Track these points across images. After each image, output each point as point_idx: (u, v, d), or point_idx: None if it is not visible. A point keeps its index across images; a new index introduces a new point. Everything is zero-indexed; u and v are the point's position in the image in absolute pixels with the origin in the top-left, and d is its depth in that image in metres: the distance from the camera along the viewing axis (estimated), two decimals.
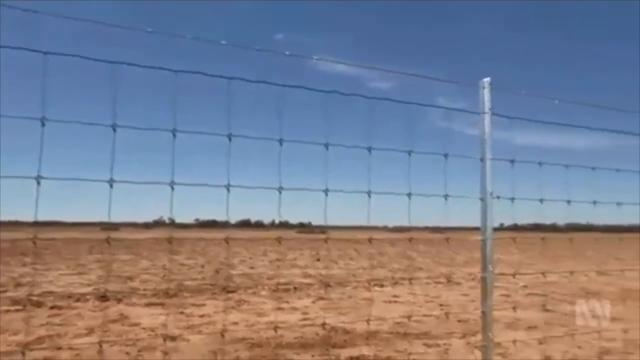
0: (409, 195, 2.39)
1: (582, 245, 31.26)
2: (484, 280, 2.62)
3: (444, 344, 6.57)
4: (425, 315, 8.64)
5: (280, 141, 2.16)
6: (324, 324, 7.78)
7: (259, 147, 2.38)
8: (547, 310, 9.08)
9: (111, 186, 2.05)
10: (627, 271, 15.15)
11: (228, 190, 2.09)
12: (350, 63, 2.68)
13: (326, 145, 2.20)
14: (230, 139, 2.14)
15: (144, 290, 11.71)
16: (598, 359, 5.68)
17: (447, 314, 8.64)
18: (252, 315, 8.68)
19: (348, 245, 36.04)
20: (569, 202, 2.74)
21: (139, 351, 6.03)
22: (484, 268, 2.61)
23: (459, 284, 13.48)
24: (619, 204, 2.91)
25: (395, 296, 11.07)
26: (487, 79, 2.59)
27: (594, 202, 2.82)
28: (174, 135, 2.15)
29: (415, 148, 2.67)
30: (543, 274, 3.47)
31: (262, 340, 6.66)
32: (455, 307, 9.51)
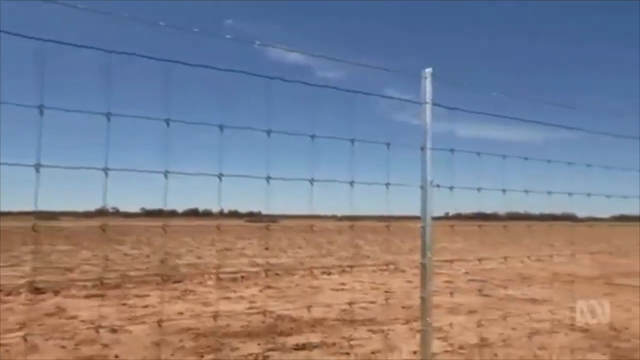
0: (352, 183, 2.41)
1: (519, 233, 32.94)
2: (423, 266, 2.69)
3: (388, 330, 6.73)
4: (370, 302, 8.82)
5: (221, 127, 2.11)
6: (269, 313, 7.79)
7: (199, 133, 2.31)
8: (485, 295, 9.50)
9: (106, 174, 1.94)
10: (557, 256, 16.09)
11: (166, 177, 2.02)
12: (288, 49, 2.64)
13: (268, 132, 2.17)
14: (168, 124, 2.06)
15: (84, 281, 11.24)
16: (529, 339, 6.00)
17: (386, 300, 8.87)
18: (197, 305, 8.54)
19: (297, 234, 36.21)
20: (504, 191, 2.86)
21: (76, 345, 5.80)
22: (424, 255, 2.68)
23: (403, 271, 13.85)
24: (549, 192, 3.07)
25: (342, 284, 11.23)
26: (428, 70, 2.64)
27: (526, 192, 2.96)
28: (108, 119, 2.04)
29: (362, 138, 2.70)
30: (479, 260, 3.59)
31: (208, 329, 6.57)
32: (399, 294, 9.77)
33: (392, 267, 14.51)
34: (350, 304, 7.83)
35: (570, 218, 4.80)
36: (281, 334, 6.52)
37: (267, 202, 2.17)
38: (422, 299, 2.69)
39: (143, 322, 7.05)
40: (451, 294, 6.82)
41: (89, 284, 10.83)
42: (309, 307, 7.14)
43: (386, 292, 10.05)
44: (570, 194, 3.49)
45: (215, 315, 6.83)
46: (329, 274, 13.17)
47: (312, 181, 2.26)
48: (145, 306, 8.38)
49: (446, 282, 11.86)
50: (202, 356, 5.46)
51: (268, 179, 2.15)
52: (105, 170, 2.00)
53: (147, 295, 9.39)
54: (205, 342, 6.03)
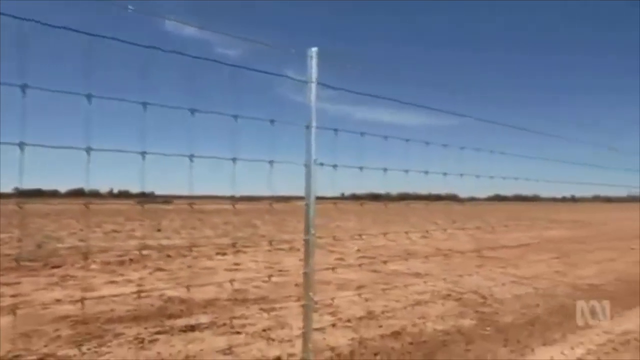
0: (234, 160, 2.36)
1: (408, 213, 35.13)
2: (306, 243, 2.74)
3: (280, 307, 6.84)
4: (264, 281, 8.88)
5: (89, 97, 1.93)
6: (159, 295, 7.51)
7: (67, 104, 2.11)
8: (374, 271, 10.03)
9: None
10: (439, 233, 17.44)
11: (22, 149, 1.81)
12: (183, 22, 2.50)
13: (144, 105, 2.04)
14: (23, 91, 1.84)
15: None
16: (410, 309, 6.47)
17: (270, 276, 9.01)
18: (78, 291, 7.96)
19: (192, 214, 35.10)
20: (385, 170, 3.00)
21: None
22: (307, 231, 2.73)
23: (298, 250, 14.12)
24: (426, 172, 3.29)
25: (236, 264, 11.16)
26: (314, 49, 2.65)
27: (406, 171, 3.14)
28: None
29: (259, 117, 2.64)
30: (360, 235, 3.75)
31: (89, 316, 6.16)
32: (293, 272, 9.95)
33: (287, 246, 14.71)
34: (231, 281, 7.79)
35: (453, 198, 5.19)
36: (170, 316, 6.32)
37: (141, 179, 2.05)
38: (306, 274, 2.75)
39: (11, 313, 6.41)
40: (333, 269, 7.11)
41: None
42: (186, 287, 6.98)
43: (280, 270, 10.17)
44: (446, 174, 3.76)
45: (91, 300, 6.42)
46: (224, 254, 13.01)
47: (191, 157, 2.17)
48: (15, 295, 7.63)
49: (338, 259, 12.31)
50: (81, 345, 5.11)
51: (144, 154, 2.02)
52: None
53: (18, 283, 8.54)
54: (85, 329, 5.65)
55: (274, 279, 9.18)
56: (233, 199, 2.46)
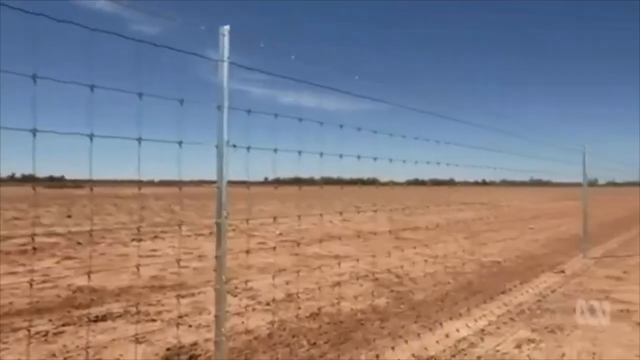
0: (139, 140, 2.24)
1: (331, 197, 35.74)
2: (218, 226, 2.69)
3: (199, 293, 6.71)
4: (182, 267, 8.65)
5: None
6: (67, 285, 7.07)
7: None
8: (295, 254, 10.12)
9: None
10: (360, 216, 17.92)
11: None
12: None
13: (34, 78, 1.85)
14: None
15: None
16: (330, 289, 6.61)
17: (179, 260, 8.83)
18: None
19: (106, 200, 33.33)
20: (300, 152, 3.01)
21: None
22: (219, 214, 2.68)
23: None
24: (340, 156, 3.34)
25: (153, 250, 10.77)
26: (226, 27, 2.57)
27: (321, 154, 3.17)
28: None
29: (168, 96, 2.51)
30: (274, 218, 3.76)
31: None
32: (212, 257, 9.78)
33: (207, 231, 14.41)
34: (135, 266, 7.55)
35: (374, 182, 5.31)
36: (79, 306, 5.98)
37: (34, 158, 1.87)
38: (218, 257, 2.70)
39: None
40: (247, 252, 7.08)
41: None
42: (91, 270, 6.66)
43: (199, 256, 9.96)
44: (359, 157, 3.84)
45: None
46: (140, 240, 12.49)
47: (91, 136, 2.02)
48: None
49: (260, 243, 12.28)
50: None
51: (34, 131, 1.84)
52: None
53: None
54: None
55: (193, 264, 8.97)
56: (140, 183, 2.33)
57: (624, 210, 21.67)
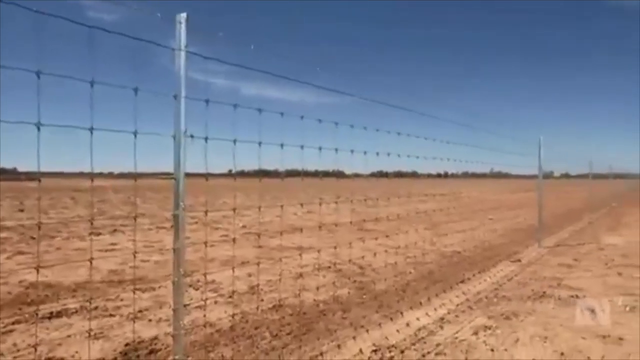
0: (91, 130, 2.16)
1: (295, 189, 35.70)
2: (175, 218, 2.64)
3: (159, 287, 6.58)
4: (143, 261, 8.46)
5: None
6: (18, 282, 6.80)
7: None
8: (259, 247, 10.06)
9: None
10: (324, 208, 17.98)
11: None
12: None
13: None
14: None
15: None
16: (293, 281, 6.62)
17: (135, 253, 8.67)
18: None
19: (63, 193, 32.19)
20: (260, 144, 2.98)
21: None
22: (177, 206, 2.63)
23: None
24: (302, 147, 3.33)
25: (112, 244, 10.48)
26: (183, 15, 2.50)
27: (281, 145, 3.15)
28: None
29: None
30: (234, 209, 3.73)
31: None
32: None
33: (169, 224, 14.13)
34: (112, 264, 7.36)
35: (338, 174, 5.32)
36: (32, 303, 5.75)
37: None
38: (175, 250, 2.65)
39: None
40: (205, 243, 7.00)
41: None
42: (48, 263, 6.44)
43: (161, 250, 9.76)
44: (320, 148, 3.85)
45: None
46: (98, 234, 12.13)
47: (38, 125, 1.92)
48: None
49: (223, 236, 12.15)
50: None
51: None
52: None
53: None
54: None
55: (154, 257, 8.78)
56: (91, 175, 2.25)
57: (576, 202, 22.60)
